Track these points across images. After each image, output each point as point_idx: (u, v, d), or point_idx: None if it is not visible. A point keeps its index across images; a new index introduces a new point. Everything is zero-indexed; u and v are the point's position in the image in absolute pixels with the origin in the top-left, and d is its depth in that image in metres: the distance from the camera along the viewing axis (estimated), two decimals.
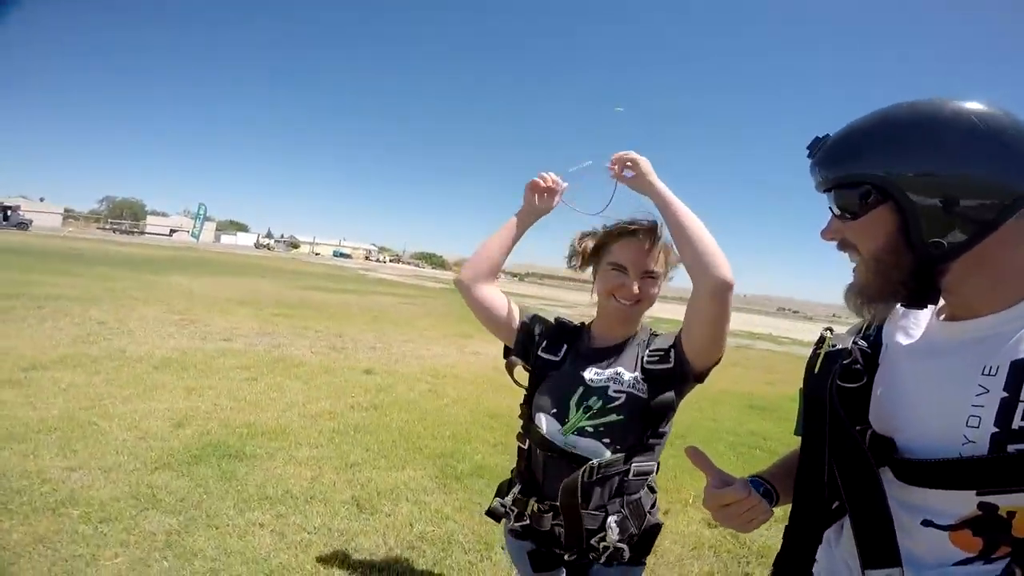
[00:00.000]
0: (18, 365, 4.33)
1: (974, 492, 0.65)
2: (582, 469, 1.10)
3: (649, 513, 1.18)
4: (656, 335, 1.25)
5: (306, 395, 4.61)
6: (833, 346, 0.83)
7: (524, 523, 1.22)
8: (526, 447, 1.24)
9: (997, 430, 0.62)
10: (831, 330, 0.87)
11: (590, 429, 1.14)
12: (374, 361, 6.35)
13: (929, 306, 0.76)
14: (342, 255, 76.09)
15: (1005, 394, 0.63)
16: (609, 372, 1.18)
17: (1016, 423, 0.61)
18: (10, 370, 4.18)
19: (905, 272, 0.69)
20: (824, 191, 0.75)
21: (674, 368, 1.15)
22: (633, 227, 1.21)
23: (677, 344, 1.17)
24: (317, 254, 74.08)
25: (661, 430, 1.17)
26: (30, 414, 3.36)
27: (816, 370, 0.81)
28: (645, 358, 1.19)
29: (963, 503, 0.66)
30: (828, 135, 0.74)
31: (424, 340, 8.47)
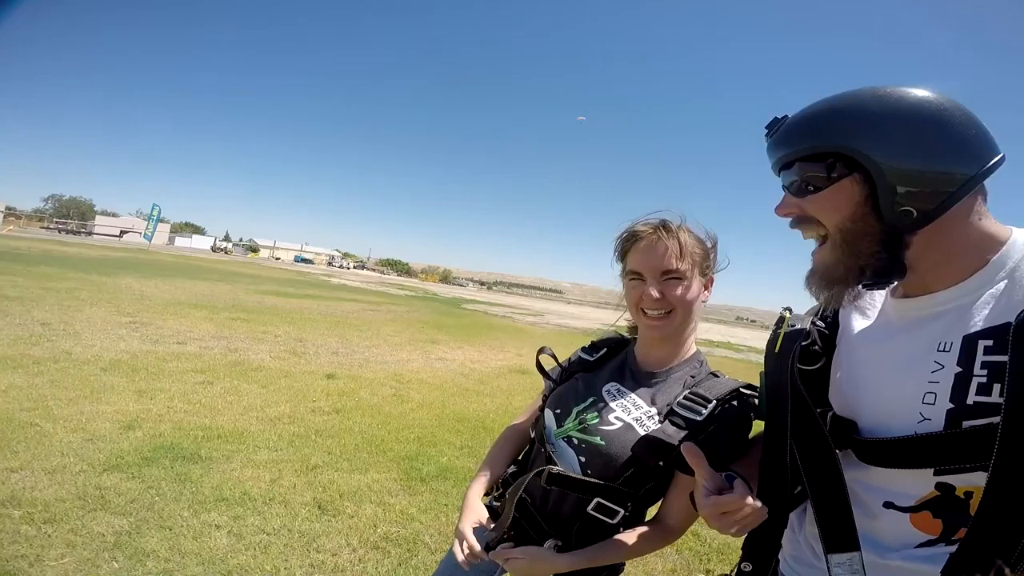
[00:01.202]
0: None
1: (931, 471, 0.65)
2: (541, 469, 1.04)
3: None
4: (715, 375, 1.09)
5: (264, 399, 4.50)
6: (792, 326, 0.83)
7: (499, 504, 1.16)
8: (533, 435, 1.20)
9: (952, 406, 0.63)
10: (790, 310, 0.87)
11: (575, 440, 1.06)
12: (336, 366, 6.24)
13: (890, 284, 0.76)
14: (304, 260, 74.17)
15: (959, 369, 0.63)
16: (630, 398, 1.08)
17: (971, 398, 0.61)
18: None
19: (874, 242, 0.68)
20: (783, 168, 0.74)
21: (686, 436, 0.95)
22: (640, 228, 1.10)
23: (713, 436, 0.97)
24: (278, 259, 71.95)
25: (647, 479, 1.01)
26: None
27: (777, 350, 0.82)
28: (681, 398, 1.02)
29: (921, 483, 0.66)
30: (786, 116, 0.74)
31: (389, 346, 8.36)
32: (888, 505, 0.69)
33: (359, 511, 2.69)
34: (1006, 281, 0.65)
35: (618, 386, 1.11)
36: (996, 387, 0.60)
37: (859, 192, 0.67)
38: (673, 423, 0.99)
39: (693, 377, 1.09)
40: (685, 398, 1.02)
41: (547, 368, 1.28)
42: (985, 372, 0.61)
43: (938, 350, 0.66)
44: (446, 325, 13.19)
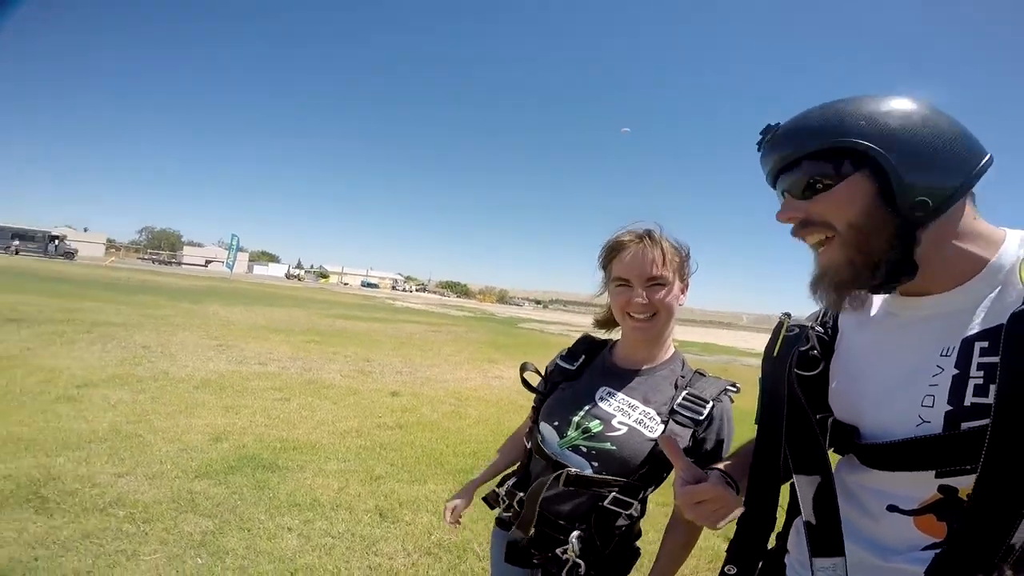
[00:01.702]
0: (72, 383, 4.65)
1: (933, 474, 0.64)
2: (558, 472, 1.09)
3: (623, 536, 1.11)
4: (702, 375, 1.17)
5: (335, 414, 4.80)
6: (791, 330, 0.83)
7: (509, 514, 1.22)
8: (529, 447, 1.25)
9: (950, 408, 0.62)
10: (789, 315, 0.87)
11: (584, 448, 1.11)
12: (400, 384, 6.52)
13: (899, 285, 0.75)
14: (370, 285, 77.47)
15: (956, 371, 0.63)
16: (623, 400, 1.14)
17: (968, 400, 0.61)
18: (64, 387, 4.50)
19: (887, 236, 0.66)
20: (784, 170, 0.72)
21: (697, 432, 1.08)
22: (626, 238, 1.18)
23: (710, 428, 1.08)
24: (346, 284, 75.63)
25: (662, 473, 1.09)
26: (83, 426, 3.62)
27: (775, 354, 0.82)
28: (680, 400, 1.10)
29: (924, 486, 0.66)
30: (779, 123, 0.73)
31: (449, 365, 8.61)
32: (892, 508, 0.69)
33: (416, 519, 2.84)
34: (1002, 284, 0.65)
35: (608, 390, 1.16)
36: (992, 388, 0.59)
37: (871, 186, 0.65)
38: (677, 422, 1.07)
39: (683, 377, 1.16)
40: (684, 399, 1.10)
41: (533, 383, 1.31)
42: (981, 373, 0.61)
43: (940, 354, 0.66)
44: (503, 344, 13.37)
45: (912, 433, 0.65)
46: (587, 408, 1.14)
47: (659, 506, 2.11)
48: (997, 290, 0.65)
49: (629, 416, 1.11)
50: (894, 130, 0.65)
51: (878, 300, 0.79)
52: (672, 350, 1.22)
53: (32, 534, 2.24)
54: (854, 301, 0.72)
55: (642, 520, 1.17)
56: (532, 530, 1.12)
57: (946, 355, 0.65)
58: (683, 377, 1.16)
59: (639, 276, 1.14)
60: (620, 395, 1.14)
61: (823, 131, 0.67)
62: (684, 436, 1.05)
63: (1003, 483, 0.56)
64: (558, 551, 1.10)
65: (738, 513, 0.78)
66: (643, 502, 1.13)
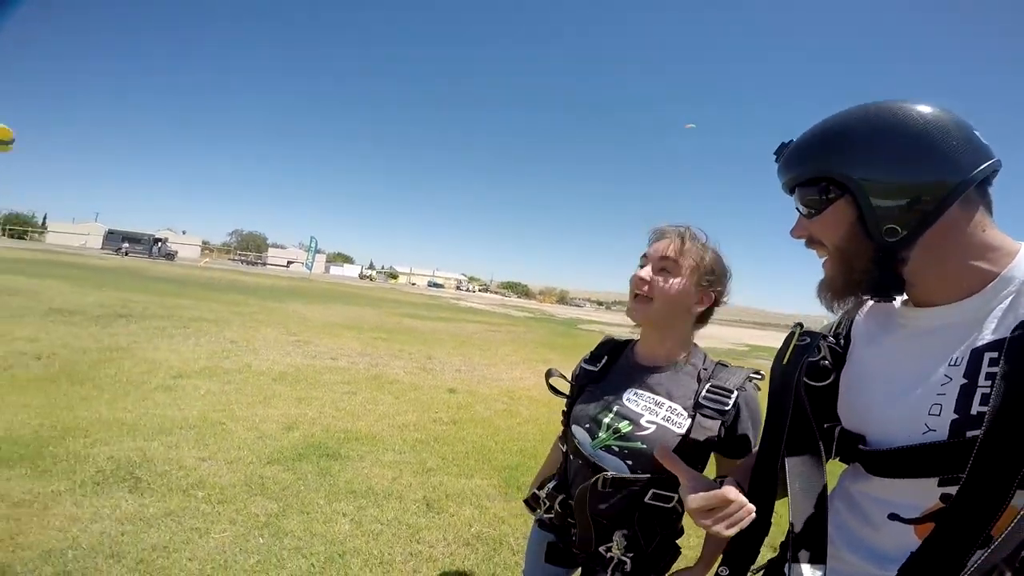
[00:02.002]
0: (169, 374, 5.23)
1: (936, 482, 0.65)
2: (596, 477, 1.12)
3: (664, 535, 1.15)
4: (724, 366, 1.18)
5: (396, 408, 5.07)
6: (803, 340, 0.84)
7: (551, 516, 1.26)
8: (564, 450, 1.29)
9: (956, 416, 0.63)
10: (801, 325, 0.88)
11: (616, 448, 1.14)
12: (458, 382, 6.74)
13: (896, 301, 0.78)
14: (436, 285, 79.75)
15: (965, 381, 0.64)
16: (648, 398, 1.16)
17: (974, 408, 0.62)
18: (163, 377, 5.06)
19: (866, 260, 0.71)
20: (789, 191, 0.78)
21: (725, 422, 1.09)
22: (668, 228, 1.22)
23: (738, 418, 1.10)
24: (414, 284, 78.28)
25: (696, 466, 1.10)
26: (176, 414, 4.06)
27: (785, 361, 0.83)
28: (704, 392, 1.11)
29: (927, 494, 0.66)
30: (792, 140, 0.77)
31: (505, 364, 8.76)
32: (893, 517, 0.69)
33: (459, 511, 2.97)
34: (1014, 295, 0.65)
35: (634, 390, 1.18)
36: None
37: (851, 213, 0.70)
38: (704, 415, 1.08)
39: (706, 369, 1.17)
40: (709, 391, 1.11)
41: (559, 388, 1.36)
42: (988, 383, 0.61)
43: (949, 364, 0.66)
44: (559, 345, 13.38)
45: (918, 440, 0.66)
46: (615, 409, 1.17)
47: None
48: (1009, 301, 0.65)
49: (656, 414, 1.13)
50: (871, 151, 0.67)
51: (891, 312, 0.80)
52: (692, 345, 1.23)
53: (124, 511, 2.53)
54: (854, 305, 0.78)
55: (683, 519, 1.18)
56: (591, 543, 1.15)
57: (955, 365, 0.66)
58: (705, 370, 1.17)
59: (653, 254, 1.18)
60: (646, 394, 1.16)
61: (809, 159, 0.73)
62: (713, 428, 1.07)
63: (985, 489, 0.57)
64: (601, 549, 1.14)
65: (750, 520, 0.75)
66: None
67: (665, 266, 1.16)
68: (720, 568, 0.82)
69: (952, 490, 0.62)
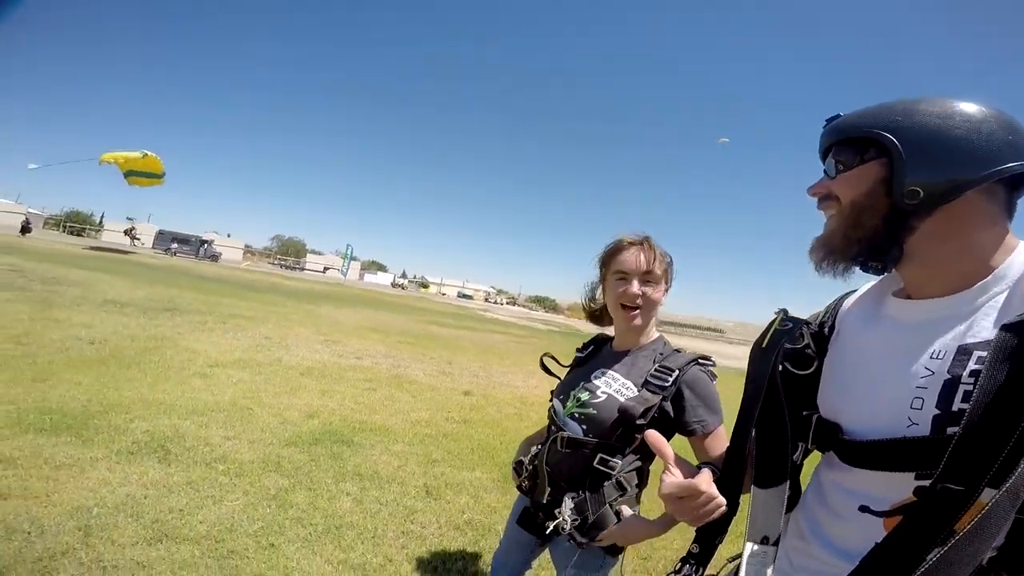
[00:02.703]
0: (206, 363, 5.60)
1: (912, 476, 0.65)
2: (555, 435, 1.34)
3: (610, 506, 1.25)
4: (677, 352, 1.35)
5: (412, 406, 5.29)
6: (784, 324, 0.85)
7: (527, 480, 1.44)
8: (548, 421, 1.47)
9: (939, 412, 0.63)
10: (785, 311, 0.89)
11: (577, 415, 1.34)
12: (474, 386, 6.93)
13: (886, 292, 0.78)
14: (465, 296, 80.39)
15: (948, 376, 0.63)
16: (611, 375, 1.35)
17: (956, 405, 0.61)
18: (201, 366, 5.44)
19: (877, 217, 0.70)
20: (825, 154, 0.78)
21: (663, 400, 1.24)
22: (627, 240, 1.40)
23: (680, 395, 1.24)
24: (444, 294, 79.04)
25: (633, 435, 1.25)
26: (209, 398, 4.39)
27: (764, 344, 0.83)
28: (652, 371, 1.29)
29: (900, 487, 0.66)
30: (839, 114, 0.78)
31: (523, 373, 8.87)
32: (863, 509, 0.69)
33: (456, 499, 3.15)
34: (1006, 293, 0.65)
35: (601, 369, 1.40)
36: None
37: (880, 173, 0.70)
38: (649, 389, 1.27)
39: (662, 354, 1.36)
40: (656, 370, 1.29)
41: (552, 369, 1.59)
42: (972, 381, 0.61)
43: (931, 357, 0.66)
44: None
45: (901, 434, 0.66)
46: (582, 384, 1.38)
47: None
48: (999, 299, 0.65)
49: (611, 387, 1.32)
50: (915, 125, 0.68)
51: (879, 303, 0.80)
52: (656, 334, 1.44)
53: (150, 478, 2.79)
54: (840, 269, 0.76)
55: (643, 492, 1.34)
56: (546, 490, 1.35)
57: (937, 358, 0.66)
58: (661, 355, 1.35)
59: (636, 271, 1.36)
60: (610, 372, 1.37)
61: (860, 123, 0.73)
62: (653, 401, 1.24)
63: (950, 489, 0.56)
64: (556, 511, 1.29)
65: (719, 513, 0.76)
66: (640, 474, 1.32)
67: (648, 279, 1.36)
68: (692, 545, 0.84)
69: (928, 483, 0.62)
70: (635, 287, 1.35)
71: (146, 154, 18.68)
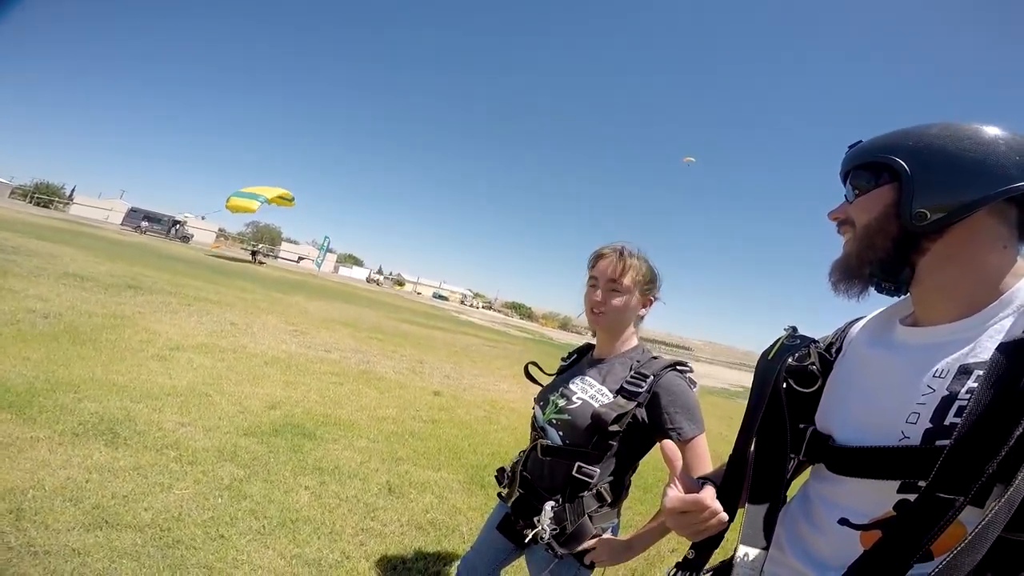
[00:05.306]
0: (166, 345, 5.38)
1: (896, 487, 0.65)
2: (536, 443, 1.37)
3: (590, 517, 1.26)
4: (655, 358, 1.36)
5: (379, 402, 5.18)
6: (792, 340, 0.88)
7: (509, 488, 1.45)
8: (533, 429, 1.48)
9: (931, 426, 0.63)
10: (795, 328, 0.92)
11: (554, 421, 1.35)
12: (444, 386, 6.83)
13: (895, 318, 0.80)
14: (440, 297, 79.98)
15: (946, 393, 0.64)
16: (588, 382, 1.37)
17: (949, 419, 0.62)
18: (160, 348, 5.22)
19: (888, 239, 0.73)
20: (846, 174, 0.81)
21: (638, 406, 1.26)
22: (607, 250, 1.44)
23: (656, 401, 1.26)
24: (419, 293, 78.44)
25: (608, 443, 1.26)
26: (166, 381, 4.20)
27: (770, 357, 0.85)
28: (627, 378, 1.30)
29: (882, 499, 0.66)
30: (861, 140, 0.81)
31: (494, 377, 8.81)
32: (843, 522, 0.70)
33: (419, 498, 3.07)
34: (1012, 317, 0.66)
35: (582, 376, 1.42)
36: None
37: (891, 196, 0.73)
38: (624, 396, 1.28)
39: (639, 361, 1.37)
40: (631, 376, 1.31)
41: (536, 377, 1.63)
42: (968, 396, 0.62)
43: (934, 376, 0.67)
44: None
45: (893, 444, 0.66)
46: (561, 391, 1.40)
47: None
48: (1005, 323, 0.66)
49: (586, 392, 1.34)
50: (924, 148, 0.71)
51: (887, 328, 0.82)
52: (635, 342, 1.45)
53: (94, 461, 2.64)
54: (857, 290, 0.79)
55: (624, 502, 1.35)
56: (516, 494, 1.36)
57: (939, 376, 0.66)
58: (638, 362, 1.37)
59: (602, 278, 1.41)
60: (588, 379, 1.39)
61: (875, 148, 0.76)
62: (627, 407, 1.25)
63: (930, 505, 0.57)
64: (535, 519, 1.28)
65: (718, 530, 0.77)
66: (618, 487, 1.31)
67: (613, 287, 1.39)
68: (689, 551, 0.84)
69: (911, 497, 0.63)
70: (597, 294, 1.39)
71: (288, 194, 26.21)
